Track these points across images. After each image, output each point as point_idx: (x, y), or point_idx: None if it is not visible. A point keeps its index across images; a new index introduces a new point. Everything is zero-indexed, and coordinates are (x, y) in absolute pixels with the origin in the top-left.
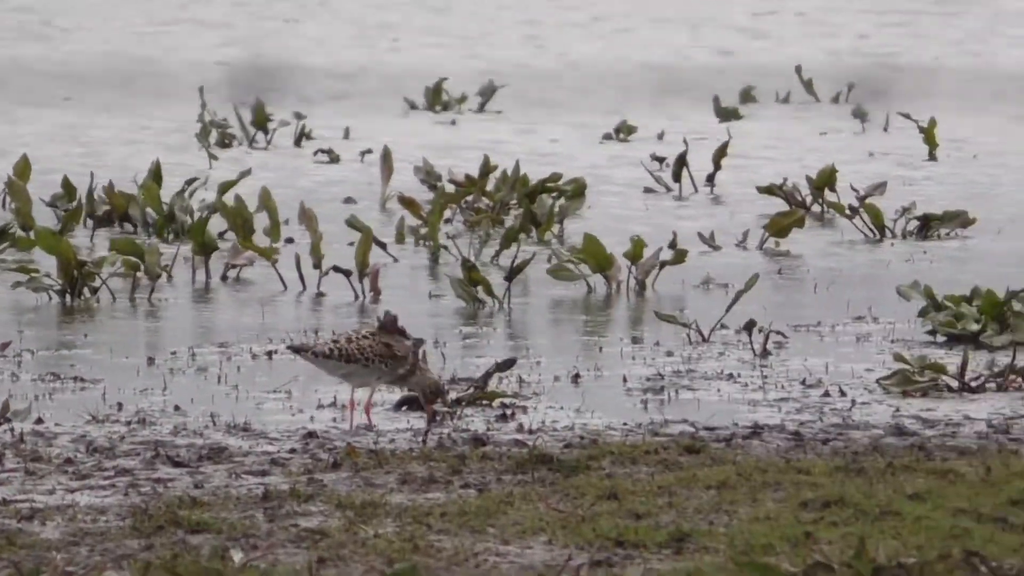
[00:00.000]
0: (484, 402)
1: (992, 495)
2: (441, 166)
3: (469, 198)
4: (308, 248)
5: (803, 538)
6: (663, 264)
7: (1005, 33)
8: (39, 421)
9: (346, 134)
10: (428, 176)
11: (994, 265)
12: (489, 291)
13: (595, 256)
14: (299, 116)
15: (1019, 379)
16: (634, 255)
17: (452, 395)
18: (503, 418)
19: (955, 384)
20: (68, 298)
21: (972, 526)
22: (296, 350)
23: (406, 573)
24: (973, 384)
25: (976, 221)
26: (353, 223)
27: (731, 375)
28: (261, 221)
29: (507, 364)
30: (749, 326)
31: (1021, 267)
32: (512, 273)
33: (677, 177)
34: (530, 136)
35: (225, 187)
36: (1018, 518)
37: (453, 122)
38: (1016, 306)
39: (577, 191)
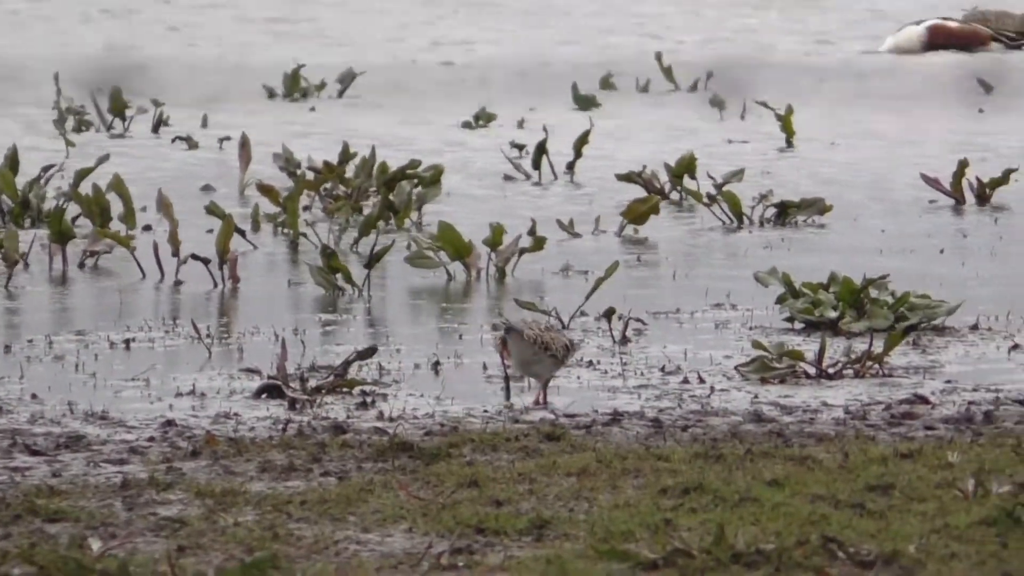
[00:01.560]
0: (344, 390)
1: (850, 481)
2: (300, 153)
3: (328, 185)
4: (166, 235)
5: (663, 525)
6: (522, 251)
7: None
8: None
9: (204, 121)
10: (287, 163)
11: (851, 252)
12: (349, 278)
13: (453, 243)
14: (157, 103)
15: (876, 365)
16: (493, 242)
17: (312, 383)
18: (363, 406)
19: (813, 371)
20: None
21: (830, 512)
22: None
23: (265, 561)
24: (831, 371)
25: (832, 208)
26: (212, 210)
27: (591, 362)
28: (119, 208)
29: (367, 352)
30: (608, 313)
31: (878, 254)
32: (372, 260)
33: (537, 164)
34: (389, 123)
35: (82, 174)
36: (875, 504)
37: (312, 109)
38: (873, 293)
39: (435, 178)
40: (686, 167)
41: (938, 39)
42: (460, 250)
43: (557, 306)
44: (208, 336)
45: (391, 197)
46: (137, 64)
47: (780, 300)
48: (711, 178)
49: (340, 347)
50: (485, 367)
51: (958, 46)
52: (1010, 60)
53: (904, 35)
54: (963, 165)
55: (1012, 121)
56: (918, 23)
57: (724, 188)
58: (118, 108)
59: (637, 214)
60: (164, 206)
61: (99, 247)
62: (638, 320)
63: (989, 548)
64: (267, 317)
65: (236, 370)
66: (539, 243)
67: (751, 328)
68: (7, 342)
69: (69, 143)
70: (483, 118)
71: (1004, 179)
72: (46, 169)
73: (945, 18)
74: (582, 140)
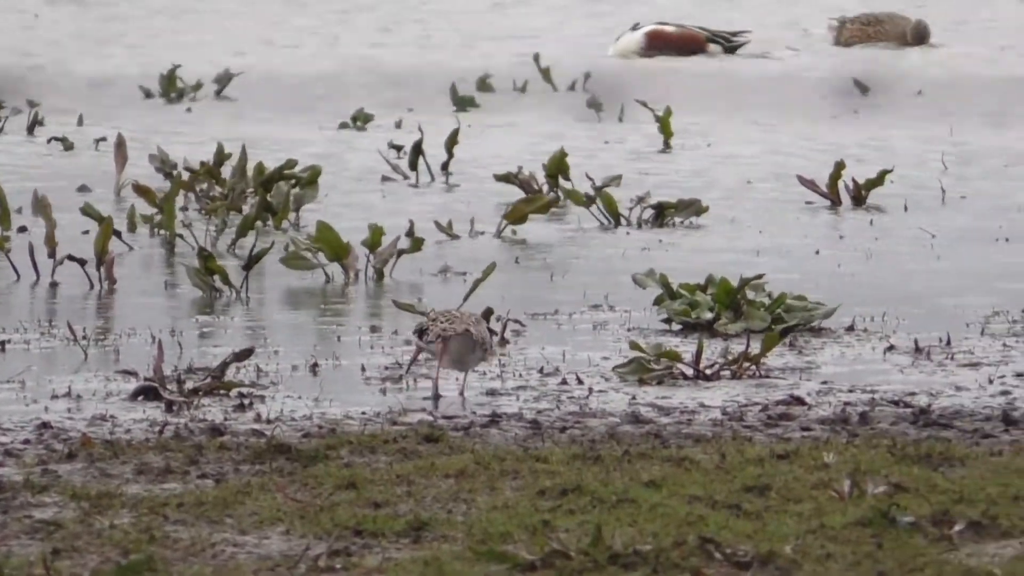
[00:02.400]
0: (221, 392)
1: (726, 482)
2: (176, 154)
3: (205, 186)
4: (42, 237)
5: (541, 526)
6: (400, 252)
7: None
8: None
9: (80, 121)
10: (163, 164)
11: (728, 253)
12: (226, 280)
13: (331, 244)
14: (32, 104)
15: (753, 367)
16: (372, 243)
17: (189, 385)
18: (241, 408)
19: (690, 372)
20: None
21: (707, 513)
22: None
23: (141, 564)
24: (708, 372)
25: (709, 209)
26: (88, 211)
27: None
28: None
29: (244, 354)
30: (486, 315)
31: (755, 255)
32: (250, 262)
33: (414, 165)
34: (266, 124)
35: None
36: (752, 505)
37: (189, 110)
38: (750, 294)
39: (311, 179)
40: (558, 165)
41: (656, 44)
42: (338, 251)
43: (436, 307)
44: (84, 338)
45: (268, 198)
46: (9, 65)
47: (658, 301)
48: (589, 179)
49: (217, 349)
50: (363, 369)
51: (676, 50)
52: (886, 61)
53: (623, 42)
54: (839, 167)
55: (888, 122)
56: (635, 28)
57: (602, 189)
58: None
59: (522, 214)
60: (41, 207)
61: None
62: (516, 321)
63: (865, 548)
64: (144, 318)
65: (112, 372)
66: (417, 244)
67: (629, 329)
68: None
69: None
70: (361, 119)
71: (879, 180)
72: None
73: (662, 23)
74: (452, 140)
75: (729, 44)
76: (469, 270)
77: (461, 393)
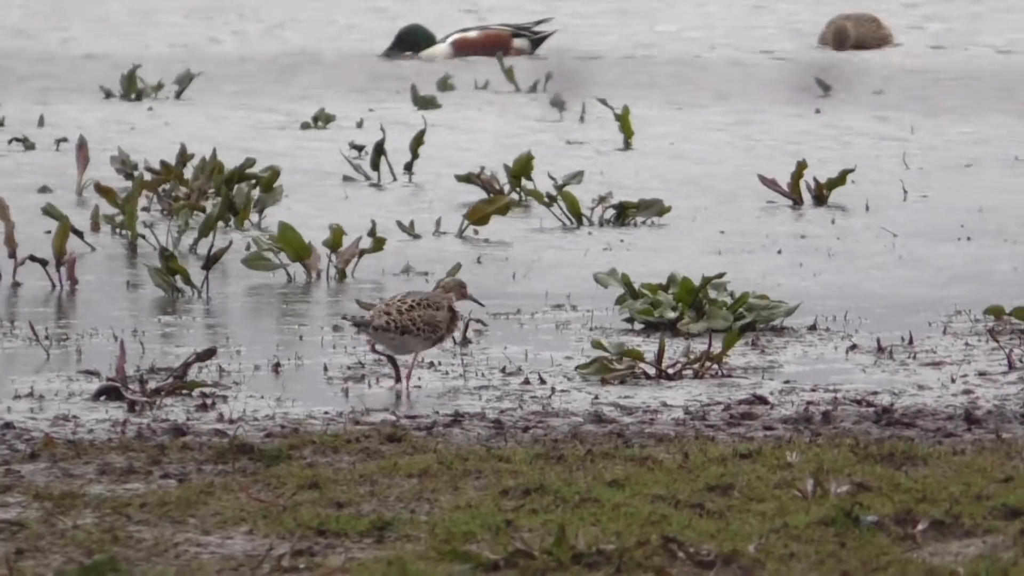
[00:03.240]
0: (184, 392)
1: (689, 481)
2: (138, 154)
3: (167, 186)
4: (2, 237)
5: (504, 526)
6: (362, 252)
7: (716, 25)
8: None
9: (41, 121)
10: (124, 164)
11: (690, 253)
12: (188, 280)
13: (292, 244)
14: None
15: (715, 366)
16: (333, 243)
17: (151, 385)
18: (203, 408)
19: (653, 371)
20: None
21: (670, 512)
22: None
23: (104, 564)
24: (670, 371)
25: (671, 209)
26: (49, 211)
27: (432, 363)
28: None
29: (206, 354)
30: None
31: (716, 254)
32: (209, 261)
33: (376, 165)
34: (228, 124)
35: None
36: (715, 504)
37: (150, 109)
38: (712, 293)
39: (272, 179)
40: (523, 167)
41: (463, 51)
42: (300, 251)
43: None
44: (46, 338)
45: (231, 198)
46: None
47: (620, 301)
48: (551, 179)
49: (180, 349)
50: (326, 369)
51: (486, 52)
52: (848, 60)
53: (429, 53)
54: (800, 166)
55: (850, 121)
56: (444, 40)
57: (564, 189)
58: None
59: (483, 214)
60: (0, 207)
61: None
62: (479, 321)
63: (828, 548)
64: (106, 319)
65: (75, 372)
66: (379, 244)
67: (591, 329)
68: None
69: None
70: (322, 119)
71: (841, 180)
72: None
73: (465, 30)
74: (418, 140)
75: (534, 36)
76: (431, 270)
77: (397, 380)
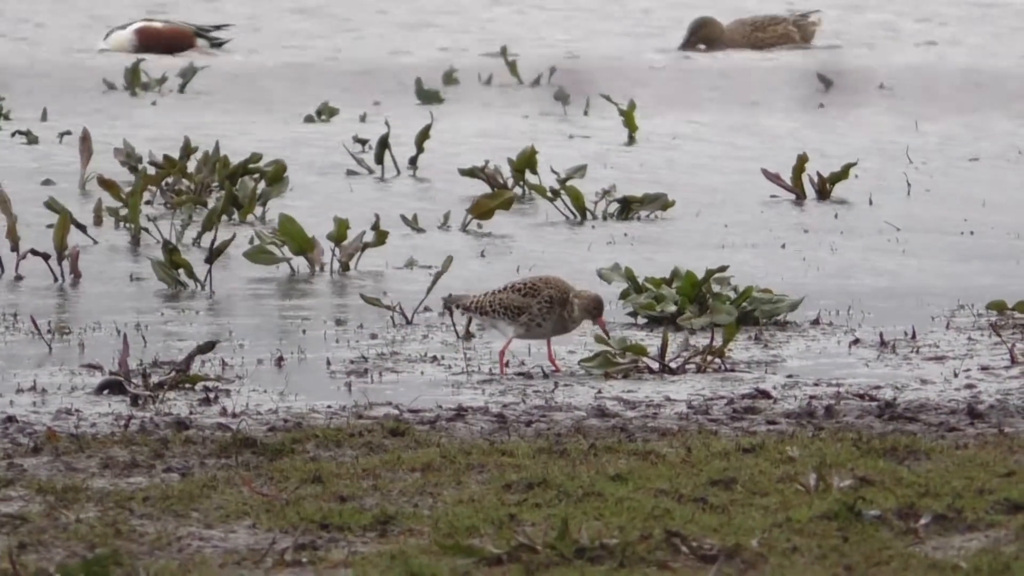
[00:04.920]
0: (187, 386)
1: (692, 476)
2: (142, 148)
3: (170, 180)
4: (4, 231)
5: (507, 520)
6: (365, 246)
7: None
8: None
9: (44, 115)
10: (128, 158)
11: (694, 247)
12: (191, 273)
13: (294, 237)
14: None
15: (718, 360)
16: (337, 237)
17: (154, 379)
18: (206, 401)
19: (656, 366)
20: None
21: (673, 506)
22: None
23: (107, 558)
24: (673, 366)
25: (675, 203)
26: (51, 205)
27: (435, 357)
28: None
29: (208, 346)
30: (448, 306)
31: (720, 249)
32: (212, 255)
33: (380, 159)
34: (231, 118)
35: None
36: (718, 498)
37: (154, 103)
38: (716, 288)
39: (277, 173)
40: (527, 162)
41: (146, 41)
42: (302, 245)
43: (402, 301)
44: (49, 332)
45: (234, 192)
46: None
47: (623, 295)
48: (554, 173)
49: (183, 343)
50: (329, 363)
51: (166, 47)
52: (851, 55)
53: (114, 39)
54: (803, 160)
55: (852, 116)
56: (125, 27)
57: (567, 183)
58: None
59: (485, 209)
60: (1, 201)
61: None
62: None
63: (830, 542)
64: (109, 312)
65: (77, 366)
66: (381, 237)
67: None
68: None
69: None
70: (326, 113)
71: (844, 174)
72: None
73: (150, 19)
74: (423, 135)
75: (215, 41)
76: (435, 264)
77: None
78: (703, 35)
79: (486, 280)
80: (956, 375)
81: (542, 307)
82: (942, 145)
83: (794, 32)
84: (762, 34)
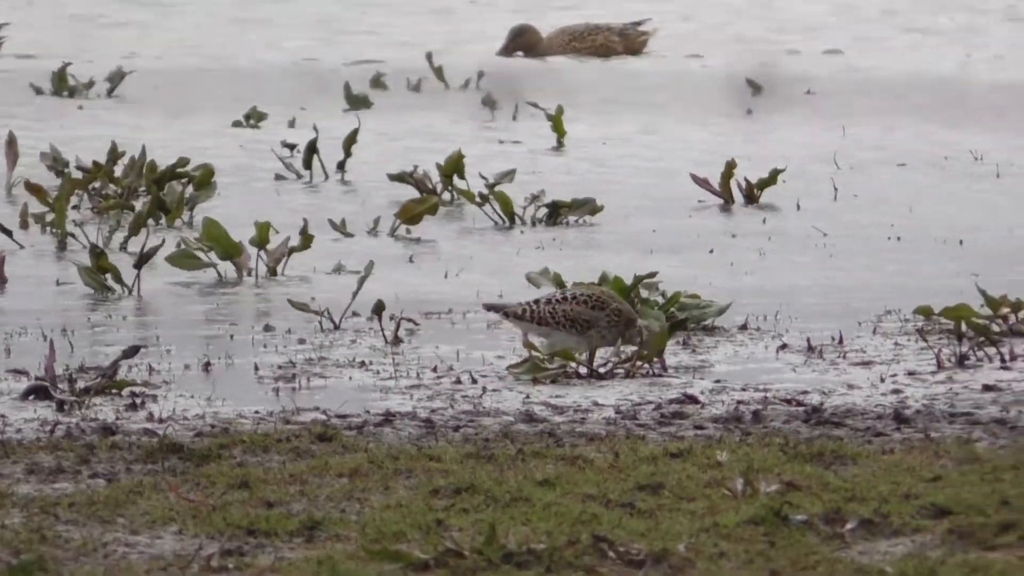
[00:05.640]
0: (113, 391)
1: (620, 481)
2: (68, 152)
3: (97, 184)
4: None
5: (434, 525)
6: (292, 250)
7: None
8: None
9: None
10: (55, 162)
11: (622, 252)
12: (118, 278)
13: (220, 243)
14: None
15: (646, 365)
16: (260, 240)
17: (80, 384)
18: (133, 407)
19: (584, 371)
20: None
21: (600, 511)
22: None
23: (32, 564)
24: (602, 370)
25: (604, 208)
26: None
27: (363, 362)
28: None
29: (133, 351)
30: (378, 310)
31: (648, 254)
32: (140, 260)
33: (308, 164)
34: (159, 122)
35: None
36: (645, 503)
37: (80, 107)
38: (644, 293)
39: (205, 177)
40: (455, 166)
41: None
42: (228, 249)
43: (330, 306)
44: None
45: (162, 196)
46: None
47: None
48: (483, 178)
49: (110, 348)
50: (256, 368)
51: None
52: (779, 61)
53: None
54: (731, 166)
55: (780, 121)
56: None
57: (496, 188)
58: None
59: (412, 214)
60: None
61: None
62: (410, 320)
63: (757, 547)
64: (35, 317)
65: (3, 371)
66: (307, 242)
67: None
68: None
69: None
70: (254, 117)
71: (771, 179)
72: None
73: None
74: (351, 139)
75: None
76: (364, 269)
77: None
78: (521, 43)
79: (416, 285)
80: (883, 380)
81: (611, 320)
82: (870, 151)
83: (616, 43)
84: (580, 44)
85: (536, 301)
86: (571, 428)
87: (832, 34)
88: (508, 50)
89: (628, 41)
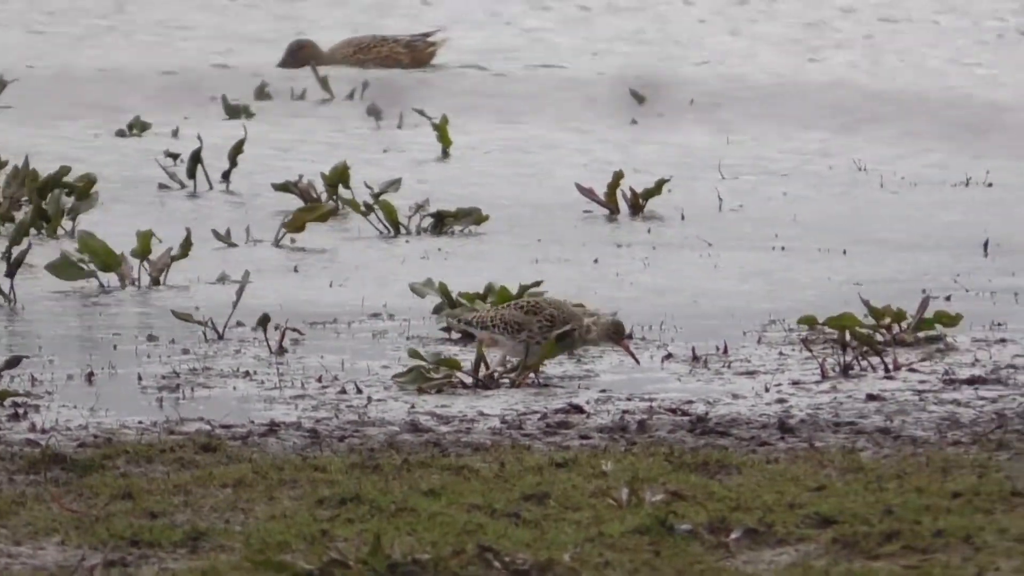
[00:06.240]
0: None
1: (506, 491)
2: None
3: None
4: None
5: (319, 535)
6: (174, 259)
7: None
8: None
9: None
10: None
11: (507, 262)
12: None
13: (98, 254)
14: None
15: (532, 375)
16: (141, 251)
17: None
18: (15, 417)
19: (470, 380)
20: None
21: (486, 521)
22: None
23: None
24: (487, 380)
25: (489, 218)
26: None
27: (247, 372)
28: None
29: (15, 361)
30: (263, 321)
31: (534, 263)
32: (12, 268)
33: (192, 174)
34: (42, 131)
35: None
36: (531, 513)
37: None
38: None
39: (87, 187)
40: (340, 176)
41: None
42: (107, 260)
43: (214, 316)
44: None
45: (44, 206)
46: None
47: (437, 310)
48: (368, 187)
49: None
50: (140, 378)
51: None
52: (663, 71)
53: None
54: (617, 176)
55: (665, 132)
56: None
57: (381, 197)
58: None
59: (299, 224)
60: None
61: None
62: (295, 330)
63: (642, 556)
64: None
65: None
66: (185, 251)
67: (408, 338)
68: None
69: None
70: (137, 127)
71: (656, 189)
72: None
73: None
74: (236, 149)
75: None
76: (249, 279)
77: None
78: (301, 56)
79: (301, 295)
80: (767, 390)
81: (542, 325)
82: (754, 161)
83: (403, 54)
84: (364, 55)
85: (495, 307)
86: (457, 438)
87: (717, 45)
88: (287, 63)
89: (415, 52)
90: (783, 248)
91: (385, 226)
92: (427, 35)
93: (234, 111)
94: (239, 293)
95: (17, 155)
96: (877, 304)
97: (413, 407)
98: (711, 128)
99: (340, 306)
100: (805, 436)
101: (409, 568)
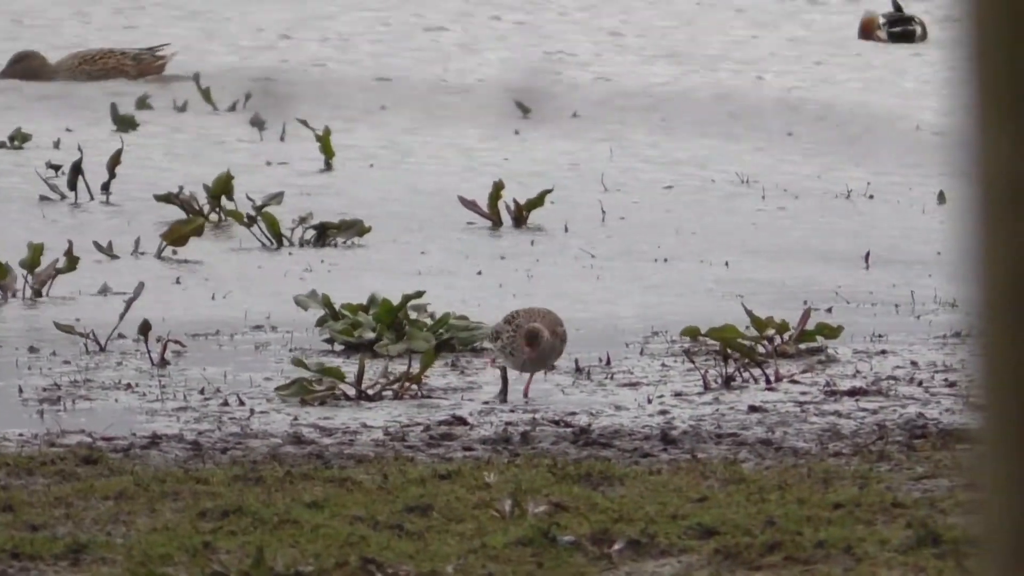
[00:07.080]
0: None
1: (388, 502)
2: None
3: None
4: None
5: (202, 548)
6: (58, 272)
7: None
8: None
9: None
10: None
11: (391, 274)
12: None
13: None
14: None
15: (415, 387)
16: (31, 263)
17: None
18: None
19: (352, 392)
20: None
21: (369, 533)
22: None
23: None
24: (370, 392)
25: (372, 229)
26: None
27: (129, 384)
28: None
29: None
30: (144, 330)
31: (416, 275)
32: None
33: (73, 185)
34: None
35: None
36: (414, 525)
37: None
38: (413, 315)
39: None
40: (223, 187)
41: None
42: None
43: (96, 328)
44: None
45: None
46: None
47: (320, 322)
48: (250, 199)
49: None
50: (21, 390)
51: None
52: (547, 82)
53: None
54: (499, 187)
55: (548, 143)
56: None
57: (264, 209)
58: None
59: (179, 235)
60: None
61: None
62: (177, 342)
63: (525, 567)
64: None
65: None
66: (72, 264)
67: (291, 350)
68: None
69: None
70: (18, 138)
71: (539, 201)
72: None
73: None
74: (115, 160)
75: None
76: (130, 291)
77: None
78: (23, 67)
79: (183, 307)
80: (650, 401)
81: (510, 334)
82: (637, 173)
83: (130, 67)
84: (90, 67)
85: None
86: (340, 450)
87: (602, 55)
88: (8, 74)
89: (142, 65)
90: (666, 259)
91: (268, 238)
92: (154, 49)
93: (122, 122)
94: (128, 304)
95: None
96: (760, 315)
97: (296, 419)
98: (595, 138)
99: (223, 318)
100: (688, 447)
101: None
